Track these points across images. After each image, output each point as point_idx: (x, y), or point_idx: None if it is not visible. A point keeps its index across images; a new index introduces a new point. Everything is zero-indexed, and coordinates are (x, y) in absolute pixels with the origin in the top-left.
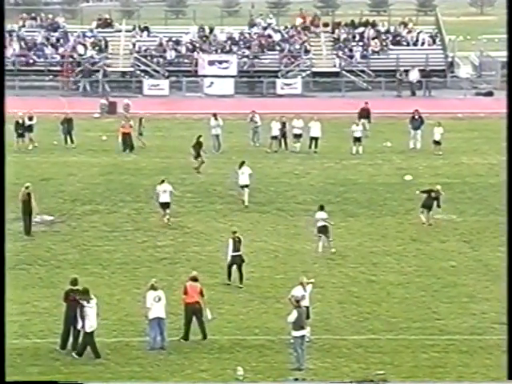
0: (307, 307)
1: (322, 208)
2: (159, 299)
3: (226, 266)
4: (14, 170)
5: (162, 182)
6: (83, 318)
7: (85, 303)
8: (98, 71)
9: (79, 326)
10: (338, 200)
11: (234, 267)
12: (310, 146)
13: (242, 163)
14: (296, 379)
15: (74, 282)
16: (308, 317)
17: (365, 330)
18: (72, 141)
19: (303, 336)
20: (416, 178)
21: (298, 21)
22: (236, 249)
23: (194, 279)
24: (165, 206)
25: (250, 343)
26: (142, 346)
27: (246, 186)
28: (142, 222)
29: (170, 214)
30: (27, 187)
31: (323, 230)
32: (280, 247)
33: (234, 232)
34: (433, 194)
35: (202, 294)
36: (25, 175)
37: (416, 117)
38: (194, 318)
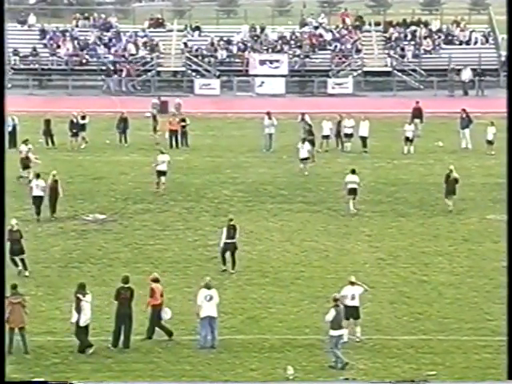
0: (357, 307)
1: (353, 171)
2: (211, 298)
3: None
4: (67, 169)
5: (162, 153)
6: (79, 312)
7: (81, 297)
8: (149, 71)
9: (74, 319)
10: (389, 200)
11: (228, 253)
12: (363, 146)
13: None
14: (346, 379)
15: (126, 280)
16: (358, 317)
17: (416, 331)
18: (126, 140)
19: (341, 335)
20: (468, 177)
21: (346, 20)
22: (230, 236)
23: (157, 280)
24: (162, 174)
25: (300, 343)
26: (192, 345)
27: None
28: (193, 220)
29: (164, 183)
30: (54, 175)
31: (353, 191)
32: (331, 247)
33: (230, 220)
34: (451, 178)
35: (162, 295)
36: (77, 174)
37: (463, 116)
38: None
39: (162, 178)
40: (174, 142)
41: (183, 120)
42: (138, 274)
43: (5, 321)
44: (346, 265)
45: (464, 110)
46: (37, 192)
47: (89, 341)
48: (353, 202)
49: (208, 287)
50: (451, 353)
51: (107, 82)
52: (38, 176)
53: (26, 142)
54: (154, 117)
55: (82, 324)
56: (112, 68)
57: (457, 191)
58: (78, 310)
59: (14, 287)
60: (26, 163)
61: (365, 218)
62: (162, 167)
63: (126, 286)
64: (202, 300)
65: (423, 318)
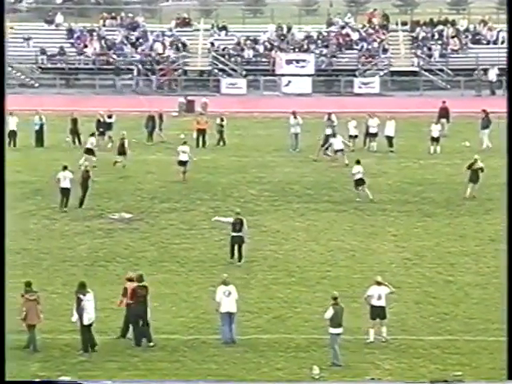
0: (383, 307)
1: (358, 162)
2: (229, 294)
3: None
4: (94, 168)
5: (185, 143)
6: (80, 312)
7: (82, 297)
8: (176, 70)
9: (74, 318)
10: (416, 200)
11: (236, 247)
12: (389, 145)
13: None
14: (372, 379)
15: (140, 278)
16: (384, 317)
17: (442, 331)
18: (151, 139)
19: (339, 333)
20: (495, 177)
21: (372, 20)
22: (236, 229)
23: (131, 280)
24: (183, 163)
25: (326, 342)
26: (218, 344)
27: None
28: None
29: (186, 171)
30: (86, 166)
31: (360, 182)
32: (357, 246)
33: (237, 213)
34: (475, 167)
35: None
36: (104, 173)
37: (483, 117)
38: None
39: (182, 168)
40: (200, 142)
41: (221, 119)
42: (164, 272)
43: (22, 319)
44: (372, 264)
45: (484, 110)
46: (64, 184)
47: (93, 340)
48: (364, 190)
49: (226, 283)
50: (477, 353)
51: (117, 81)
52: (65, 168)
53: (92, 134)
54: (161, 116)
55: (85, 323)
56: (140, 67)
57: (480, 179)
58: (79, 309)
59: (29, 285)
60: (121, 151)
61: (391, 218)
62: (183, 157)
63: (142, 284)
64: (221, 296)
65: (449, 318)
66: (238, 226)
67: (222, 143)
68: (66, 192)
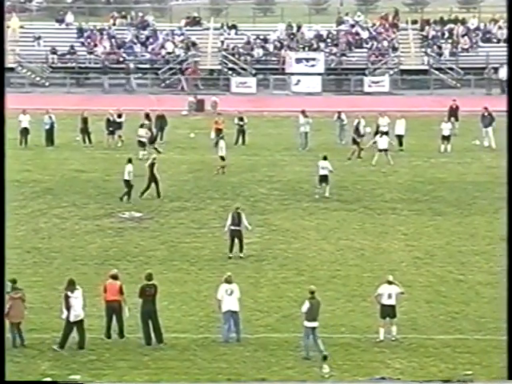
0: (393, 306)
1: (325, 158)
2: (231, 292)
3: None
4: (104, 167)
5: (222, 138)
6: (68, 309)
7: (69, 294)
8: (186, 69)
9: (64, 315)
10: (427, 198)
11: (236, 241)
12: (399, 144)
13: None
14: (383, 378)
15: (149, 277)
16: (394, 315)
17: (453, 330)
18: (162, 138)
19: (314, 328)
20: (504, 176)
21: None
22: (235, 223)
23: (114, 277)
24: (222, 159)
25: (336, 341)
26: (228, 343)
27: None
28: None
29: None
30: (154, 158)
31: (324, 178)
32: (367, 245)
33: (237, 208)
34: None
35: (121, 291)
36: (114, 172)
37: (485, 114)
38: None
39: (222, 162)
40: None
41: (241, 119)
42: (175, 271)
43: (4, 316)
44: (382, 264)
45: (486, 108)
46: (125, 176)
47: (83, 337)
48: (325, 187)
49: (228, 282)
50: (488, 352)
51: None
52: (129, 161)
53: (142, 125)
54: (147, 115)
55: (72, 319)
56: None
57: None
58: (67, 306)
59: (14, 282)
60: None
61: (401, 217)
62: (221, 152)
63: (150, 282)
64: (223, 294)
65: (460, 317)
66: (236, 219)
67: (241, 142)
68: (127, 184)
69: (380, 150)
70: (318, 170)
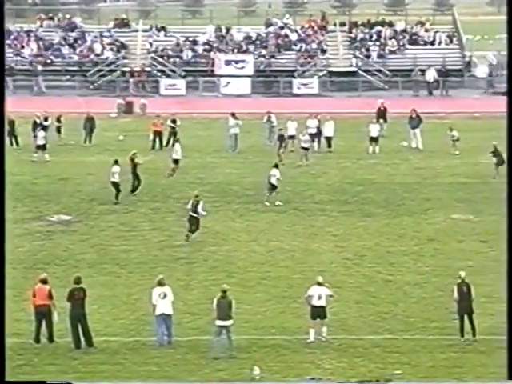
0: (323, 307)
1: (276, 166)
2: (165, 296)
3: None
4: (32, 170)
5: (177, 140)
6: None
7: None
8: (114, 71)
9: None
10: (356, 200)
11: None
12: (328, 146)
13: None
14: (312, 379)
15: (78, 280)
16: (324, 316)
17: (382, 330)
18: (90, 140)
19: (226, 326)
20: (434, 177)
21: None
22: (193, 210)
23: (44, 281)
24: (176, 162)
25: (266, 343)
26: (158, 346)
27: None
28: (159, 221)
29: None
30: (134, 153)
31: (273, 187)
32: (297, 247)
33: (196, 196)
34: (496, 153)
35: (50, 296)
36: (42, 175)
37: (413, 116)
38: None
39: (174, 165)
40: (157, 144)
41: (173, 121)
42: (105, 275)
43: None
44: (312, 265)
45: (414, 109)
46: (112, 178)
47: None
48: (270, 195)
49: (161, 284)
50: (417, 352)
51: (35, 82)
52: (115, 162)
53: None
54: (58, 118)
55: None
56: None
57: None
58: None
59: None
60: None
61: (331, 218)
62: (176, 156)
63: (79, 286)
64: (156, 298)
65: (389, 317)
66: (194, 206)
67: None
68: (116, 185)
69: (302, 148)
70: (269, 178)
